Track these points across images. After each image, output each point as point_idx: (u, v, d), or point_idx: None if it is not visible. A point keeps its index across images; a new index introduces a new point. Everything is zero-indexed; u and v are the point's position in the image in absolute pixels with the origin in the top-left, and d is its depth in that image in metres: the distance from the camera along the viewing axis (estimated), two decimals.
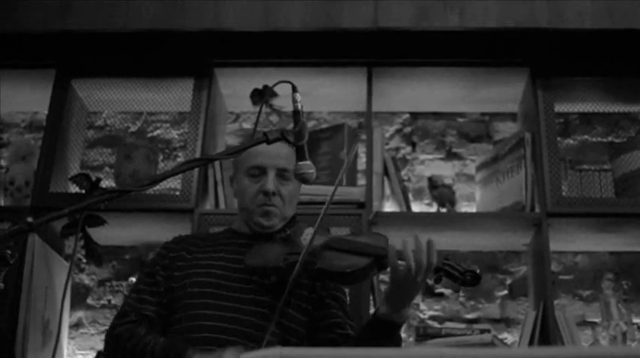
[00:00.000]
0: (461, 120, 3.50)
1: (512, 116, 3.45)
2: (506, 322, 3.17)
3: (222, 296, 1.94)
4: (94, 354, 2.94)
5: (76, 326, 3.25)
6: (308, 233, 1.93)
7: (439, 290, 3.23)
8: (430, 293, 3.23)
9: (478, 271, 1.78)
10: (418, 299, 3.21)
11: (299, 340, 1.97)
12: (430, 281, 1.84)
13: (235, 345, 1.82)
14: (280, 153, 2.05)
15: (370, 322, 1.88)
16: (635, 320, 3.10)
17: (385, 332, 1.82)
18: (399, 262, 1.76)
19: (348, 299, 2.13)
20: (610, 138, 3.41)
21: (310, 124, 3.42)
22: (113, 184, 3.19)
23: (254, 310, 1.90)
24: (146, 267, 2.14)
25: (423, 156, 3.45)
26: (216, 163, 2.98)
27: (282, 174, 2.08)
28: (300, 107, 1.79)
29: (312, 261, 1.88)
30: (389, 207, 3.08)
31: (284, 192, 2.08)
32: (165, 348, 1.85)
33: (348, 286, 2.08)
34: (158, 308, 2.01)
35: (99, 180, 2.94)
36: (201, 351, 1.82)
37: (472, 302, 3.21)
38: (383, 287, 2.92)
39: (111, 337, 1.97)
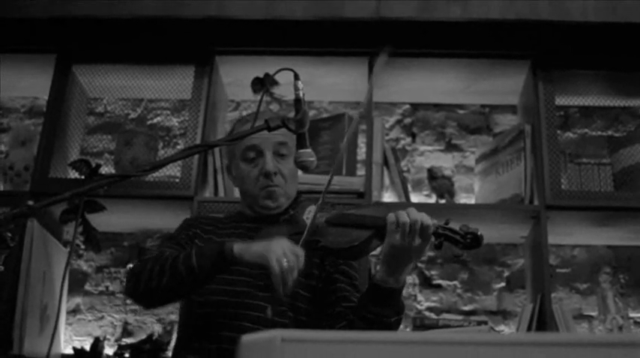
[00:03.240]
0: (461, 111, 3.49)
1: (512, 108, 3.44)
2: (503, 314, 3.18)
3: (235, 282, 1.94)
4: (92, 340, 2.94)
5: (74, 312, 3.25)
6: (310, 210, 1.92)
7: (437, 281, 3.24)
8: (428, 285, 3.24)
9: (479, 233, 1.73)
10: (415, 290, 3.22)
11: (310, 319, 1.96)
12: (431, 248, 1.80)
13: (248, 330, 1.81)
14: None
15: (367, 288, 1.86)
16: (631, 315, 3.10)
17: (382, 298, 1.80)
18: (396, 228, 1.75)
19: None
20: (610, 132, 3.42)
21: (311, 114, 3.41)
22: (113, 171, 3.18)
23: (266, 296, 1.89)
24: (170, 238, 2.12)
25: (422, 148, 3.45)
26: (216, 151, 2.98)
27: (278, 151, 2.07)
28: (301, 95, 1.78)
29: (317, 239, 1.87)
30: (388, 197, 3.08)
31: (284, 171, 2.07)
32: (201, 249, 1.85)
33: (355, 260, 2.06)
34: None
35: (98, 166, 2.94)
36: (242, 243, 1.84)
37: (469, 294, 3.22)
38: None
39: (132, 273, 1.93)
